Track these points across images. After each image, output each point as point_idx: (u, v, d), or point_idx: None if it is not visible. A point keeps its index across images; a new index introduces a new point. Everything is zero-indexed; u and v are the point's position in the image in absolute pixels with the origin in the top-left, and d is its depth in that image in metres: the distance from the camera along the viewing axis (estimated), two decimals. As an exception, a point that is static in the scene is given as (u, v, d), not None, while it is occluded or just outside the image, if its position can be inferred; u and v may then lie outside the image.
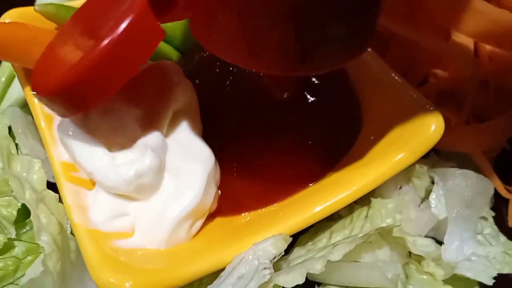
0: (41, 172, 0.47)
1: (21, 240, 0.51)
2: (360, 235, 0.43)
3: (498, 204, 0.55)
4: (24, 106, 0.56)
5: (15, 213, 0.51)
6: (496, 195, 0.55)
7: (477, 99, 0.56)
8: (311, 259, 0.43)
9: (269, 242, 0.42)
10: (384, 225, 0.44)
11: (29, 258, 0.51)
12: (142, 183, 0.43)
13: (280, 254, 0.42)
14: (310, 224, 0.45)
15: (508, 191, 0.54)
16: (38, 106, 0.51)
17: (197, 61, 0.57)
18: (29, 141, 0.52)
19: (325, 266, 0.42)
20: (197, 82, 0.54)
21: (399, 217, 0.44)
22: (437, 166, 0.54)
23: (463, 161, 0.56)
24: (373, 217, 0.45)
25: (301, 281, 0.43)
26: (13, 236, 0.50)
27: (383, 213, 0.45)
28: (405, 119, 0.46)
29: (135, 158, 0.43)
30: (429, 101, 0.46)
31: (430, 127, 0.44)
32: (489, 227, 0.53)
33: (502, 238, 0.53)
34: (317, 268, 0.42)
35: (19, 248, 0.50)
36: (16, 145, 0.52)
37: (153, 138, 0.45)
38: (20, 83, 0.53)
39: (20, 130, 0.52)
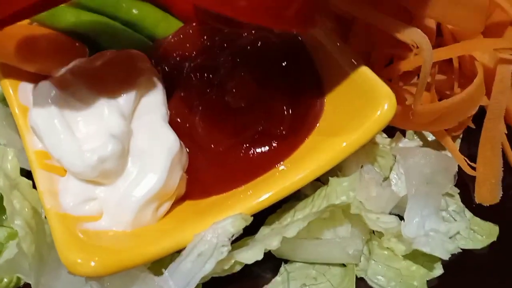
0: (14, 160, 0.49)
1: (3, 226, 0.54)
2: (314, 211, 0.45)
3: (465, 181, 0.56)
4: (2, 100, 0.58)
5: (-5, 201, 0.54)
6: (464, 172, 0.56)
7: (441, 79, 0.57)
8: (269, 237, 0.45)
9: (228, 221, 0.44)
10: (338, 202, 0.46)
11: (11, 242, 0.54)
12: (105, 168, 0.46)
13: (239, 232, 0.44)
14: (269, 205, 0.47)
15: (473, 168, 0.55)
16: (14, 99, 0.54)
17: (164, 47, 0.58)
18: (7, 131, 0.54)
19: (281, 242, 0.44)
20: (165, 67, 0.56)
21: (353, 194, 0.46)
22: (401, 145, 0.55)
23: (428, 141, 0.57)
24: (329, 195, 0.47)
25: (260, 257, 0.45)
26: (-6, 222, 0.53)
27: (338, 191, 0.46)
28: (360, 100, 0.47)
29: (98, 145, 0.45)
30: (384, 81, 0.47)
31: (382, 107, 0.45)
32: (455, 204, 0.54)
33: (468, 214, 0.54)
34: (273, 244, 0.44)
35: (1, 233, 0.53)
36: (-5, 136, 0.55)
37: (116, 124, 0.47)
38: (-3, 76, 0.55)
39: (-2, 122, 0.54)
